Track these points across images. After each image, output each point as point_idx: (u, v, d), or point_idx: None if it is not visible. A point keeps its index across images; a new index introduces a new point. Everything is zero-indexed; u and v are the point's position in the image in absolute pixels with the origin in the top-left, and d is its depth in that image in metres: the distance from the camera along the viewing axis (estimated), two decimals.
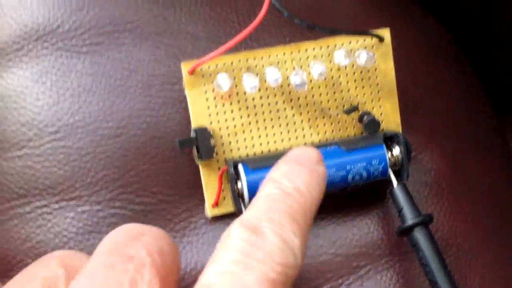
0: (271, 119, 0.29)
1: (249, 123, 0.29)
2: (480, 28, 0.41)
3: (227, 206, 0.29)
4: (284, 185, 0.20)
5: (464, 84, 0.36)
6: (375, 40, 0.29)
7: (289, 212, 0.19)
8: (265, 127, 0.29)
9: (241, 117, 0.29)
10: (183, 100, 0.29)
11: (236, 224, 0.18)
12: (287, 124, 0.29)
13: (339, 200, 0.31)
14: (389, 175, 0.29)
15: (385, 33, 0.29)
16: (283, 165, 0.21)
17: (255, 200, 0.20)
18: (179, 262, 0.19)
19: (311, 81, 0.29)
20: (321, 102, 0.29)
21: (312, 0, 0.32)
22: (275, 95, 0.29)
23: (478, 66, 0.40)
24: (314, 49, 0.29)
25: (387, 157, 0.29)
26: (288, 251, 0.18)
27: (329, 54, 0.29)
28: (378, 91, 0.30)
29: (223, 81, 0.27)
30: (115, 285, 0.17)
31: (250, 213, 0.19)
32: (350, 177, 0.29)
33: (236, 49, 0.28)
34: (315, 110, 0.29)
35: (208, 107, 0.28)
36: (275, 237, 0.18)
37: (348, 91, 0.29)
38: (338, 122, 0.30)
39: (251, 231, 0.18)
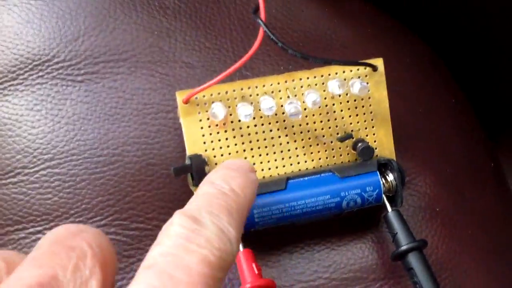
0: (266, 147, 0.29)
1: (244, 151, 0.29)
2: (471, 52, 0.42)
3: None
4: (221, 186, 0.22)
5: (457, 109, 0.36)
6: (368, 69, 0.29)
7: (225, 207, 0.21)
8: (260, 155, 0.29)
9: (235, 144, 0.29)
10: (178, 127, 0.30)
11: (178, 214, 0.20)
12: (282, 152, 0.29)
13: (333, 225, 0.31)
14: (383, 201, 0.29)
15: (378, 62, 0.29)
16: (219, 170, 0.23)
17: (194, 197, 0.21)
18: (116, 258, 0.20)
19: (305, 109, 0.29)
20: (316, 129, 0.29)
21: (306, 29, 0.33)
22: (270, 123, 0.29)
23: (470, 90, 0.40)
24: (308, 78, 0.29)
25: (381, 184, 0.29)
26: (225, 239, 0.19)
27: (323, 83, 0.29)
28: (372, 119, 0.30)
29: (218, 110, 0.28)
30: (59, 269, 0.18)
31: (190, 206, 0.21)
32: (344, 203, 0.29)
33: (230, 78, 0.28)
34: (310, 138, 0.29)
35: (203, 135, 0.28)
36: (214, 226, 0.20)
37: (342, 118, 0.30)
38: (332, 149, 0.30)
39: (191, 219, 0.20)
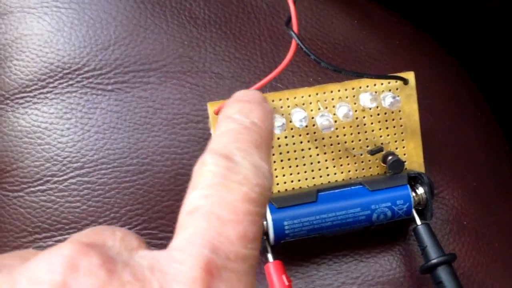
0: (296, 159, 0.29)
1: (274, 162, 0.29)
2: (496, 64, 0.42)
3: None
4: (241, 120, 0.21)
5: (483, 121, 0.36)
6: (399, 82, 0.29)
7: (253, 142, 0.20)
8: (290, 166, 0.29)
9: None
10: (207, 138, 0.30)
11: (208, 153, 0.19)
12: (312, 164, 0.29)
13: (361, 237, 0.31)
14: (413, 215, 0.29)
15: (410, 76, 0.29)
16: (234, 104, 0.22)
17: (217, 135, 0.21)
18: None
19: (336, 121, 0.29)
20: (346, 142, 0.29)
21: (335, 40, 0.32)
22: (300, 135, 0.29)
23: (494, 101, 0.40)
24: (339, 91, 0.29)
25: (412, 197, 0.29)
26: (261, 174, 0.19)
27: (354, 96, 0.29)
28: (402, 132, 0.30)
29: None
30: (108, 239, 0.18)
31: (217, 144, 0.20)
32: (374, 216, 0.29)
33: (261, 89, 0.28)
34: (340, 150, 0.29)
35: None
36: (247, 162, 0.19)
37: (373, 131, 0.30)
38: (362, 162, 0.30)
39: (224, 157, 0.19)
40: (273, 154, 0.29)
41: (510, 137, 0.40)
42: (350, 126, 0.29)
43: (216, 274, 0.17)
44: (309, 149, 0.29)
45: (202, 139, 0.30)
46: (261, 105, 0.22)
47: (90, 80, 0.30)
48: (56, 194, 0.30)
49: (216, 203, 0.18)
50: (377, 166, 0.30)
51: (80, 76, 0.30)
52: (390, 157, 0.29)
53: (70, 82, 0.30)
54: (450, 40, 0.38)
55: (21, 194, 0.30)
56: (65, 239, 0.30)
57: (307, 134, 0.29)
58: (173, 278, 0.17)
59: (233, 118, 0.21)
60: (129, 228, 0.29)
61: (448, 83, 0.35)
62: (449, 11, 0.39)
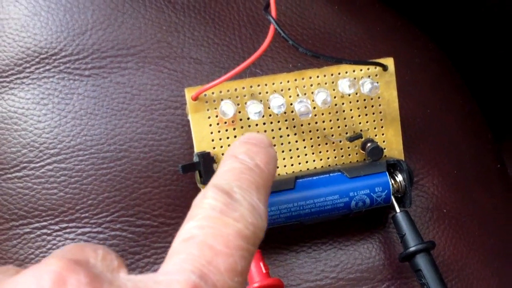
0: (274, 145, 0.29)
1: None
2: (480, 53, 0.41)
3: None
4: (246, 161, 0.22)
5: (465, 110, 0.36)
6: (379, 68, 0.29)
7: (253, 183, 0.21)
8: None
9: None
10: (186, 124, 0.29)
11: (211, 187, 0.20)
12: (290, 150, 0.29)
13: (341, 224, 0.31)
14: (392, 202, 0.29)
15: (389, 62, 0.29)
16: (241, 145, 0.23)
17: (221, 171, 0.22)
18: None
19: (314, 108, 0.29)
20: (325, 129, 0.29)
21: (316, 26, 0.32)
22: (279, 121, 0.29)
23: (478, 91, 0.40)
24: (318, 77, 0.29)
25: (390, 184, 0.29)
26: (257, 214, 0.20)
27: (333, 82, 0.29)
28: (381, 119, 0.30)
29: (227, 108, 0.27)
30: (90, 257, 0.19)
31: (220, 180, 0.21)
32: (353, 203, 0.29)
33: (240, 75, 0.27)
34: (319, 137, 0.29)
35: (211, 132, 0.28)
36: (246, 201, 0.20)
37: (352, 118, 0.29)
38: (341, 149, 0.30)
39: (225, 194, 0.20)
40: None
41: (493, 126, 0.40)
42: (329, 113, 0.29)
43: None
44: (288, 135, 0.29)
45: (180, 125, 0.30)
46: (267, 149, 0.23)
47: (67, 65, 0.30)
48: (32, 180, 0.29)
49: (210, 234, 0.19)
50: (356, 153, 0.30)
51: (57, 61, 0.30)
52: (369, 144, 0.29)
53: (47, 67, 0.30)
54: (433, 27, 0.38)
55: None
56: (41, 226, 0.29)
57: (286, 120, 0.29)
58: None
59: (239, 158, 0.22)
60: (107, 216, 0.29)
61: (430, 70, 0.35)
62: None
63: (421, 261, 0.28)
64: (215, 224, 0.19)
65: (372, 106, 0.30)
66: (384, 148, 0.30)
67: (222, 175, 0.21)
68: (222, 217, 0.19)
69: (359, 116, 0.29)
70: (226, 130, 0.28)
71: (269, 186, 0.22)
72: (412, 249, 0.28)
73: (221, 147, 0.28)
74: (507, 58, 0.42)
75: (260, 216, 0.20)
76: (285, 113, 0.29)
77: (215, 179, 0.21)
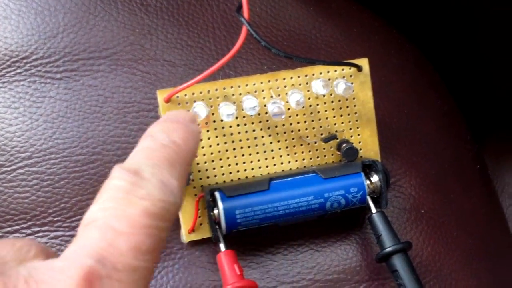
0: (248, 147, 0.29)
1: (226, 150, 0.28)
2: (458, 53, 0.41)
3: (204, 232, 0.29)
4: (161, 138, 0.21)
5: (443, 110, 0.36)
6: (353, 69, 0.29)
7: (167, 159, 0.20)
8: (242, 155, 0.29)
9: (218, 144, 0.28)
10: None
11: (117, 167, 0.20)
12: (265, 152, 0.29)
13: (317, 226, 0.30)
14: (367, 203, 0.29)
15: (363, 63, 0.29)
16: (159, 123, 0.22)
17: (134, 151, 0.21)
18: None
19: (289, 109, 0.29)
20: (299, 130, 0.29)
21: (291, 28, 0.32)
22: (253, 123, 0.28)
23: (456, 91, 0.40)
24: (292, 78, 0.28)
25: (366, 185, 0.29)
26: (167, 190, 0.19)
27: (307, 83, 0.29)
28: (357, 120, 0.30)
29: (200, 109, 0.27)
30: (7, 254, 0.18)
31: (129, 160, 0.20)
32: (328, 204, 0.28)
33: (213, 77, 0.27)
34: (293, 138, 0.29)
35: None
36: (154, 178, 0.19)
37: (326, 119, 0.29)
38: (316, 150, 0.29)
39: (131, 172, 0.19)
40: (225, 143, 0.28)
41: (473, 126, 0.40)
42: (304, 114, 0.29)
43: (97, 284, 0.17)
44: (262, 137, 0.29)
45: None
46: (187, 125, 0.22)
47: (39, 68, 0.29)
48: (4, 184, 0.29)
49: (113, 215, 0.18)
50: (332, 154, 0.30)
51: (28, 65, 0.29)
52: (344, 145, 0.29)
53: (18, 71, 0.29)
54: (410, 27, 0.38)
55: None
56: (14, 230, 0.29)
57: (260, 122, 0.29)
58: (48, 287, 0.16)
59: (154, 137, 0.21)
60: (79, 219, 0.29)
61: (407, 71, 0.35)
62: None
63: (398, 262, 0.28)
64: (119, 204, 0.18)
65: (347, 107, 0.29)
66: (360, 149, 0.30)
67: (133, 155, 0.21)
68: (127, 196, 0.18)
69: (334, 117, 0.29)
70: (199, 132, 0.28)
71: (187, 161, 0.21)
72: (388, 249, 0.28)
73: None
74: (486, 58, 0.42)
75: (171, 192, 0.19)
76: (259, 114, 0.28)
77: (126, 161, 0.20)
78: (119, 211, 0.18)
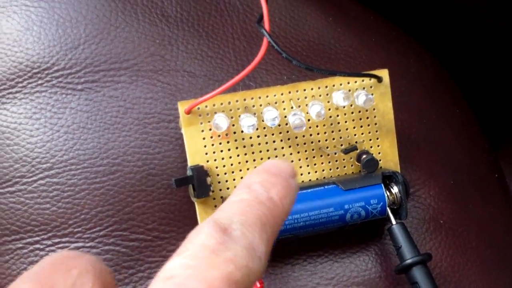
0: (268, 158, 0.29)
1: (246, 162, 0.28)
2: (476, 64, 0.41)
3: None
4: (259, 193, 0.19)
5: (462, 119, 0.36)
6: (373, 80, 0.29)
7: (260, 219, 0.19)
8: None
9: (238, 155, 0.28)
10: (179, 137, 0.29)
11: (208, 221, 0.18)
12: None
13: (337, 237, 0.30)
14: (387, 214, 0.29)
15: (384, 74, 0.29)
16: (258, 174, 0.21)
17: (228, 202, 0.20)
18: (114, 283, 0.19)
19: (309, 120, 0.29)
20: (319, 141, 0.29)
21: (310, 38, 0.32)
22: (273, 134, 0.28)
23: (473, 100, 0.40)
24: (312, 89, 0.28)
25: (386, 196, 0.29)
26: (255, 255, 0.18)
27: (327, 94, 0.29)
28: (377, 131, 0.30)
29: (221, 121, 0.27)
30: (59, 284, 0.17)
31: (222, 214, 0.19)
32: (348, 216, 0.28)
33: (233, 88, 0.27)
34: (313, 149, 0.29)
35: (205, 146, 0.28)
36: (244, 240, 0.18)
37: (346, 130, 0.29)
38: (336, 161, 0.29)
39: (221, 230, 0.18)
40: (245, 154, 0.28)
41: (490, 135, 0.40)
42: (324, 125, 0.29)
43: None
44: (282, 148, 0.29)
45: (174, 138, 0.29)
46: (287, 181, 0.20)
47: (60, 79, 0.30)
48: (25, 195, 0.29)
49: (194, 276, 0.17)
50: (352, 165, 0.30)
51: (50, 76, 0.30)
52: (364, 156, 0.29)
53: (40, 82, 0.30)
54: (428, 37, 0.38)
55: None
56: (34, 241, 0.29)
57: (280, 133, 0.29)
58: None
59: (251, 189, 0.20)
60: (100, 230, 0.29)
61: (426, 80, 0.35)
62: (427, 7, 0.39)
63: (418, 274, 0.28)
64: (201, 264, 0.17)
65: (367, 118, 0.29)
66: (380, 160, 0.30)
67: (226, 207, 0.19)
68: (212, 256, 0.17)
69: (354, 128, 0.29)
70: (220, 144, 0.28)
71: (281, 222, 0.19)
72: (408, 261, 0.28)
73: (215, 160, 0.28)
74: (503, 67, 0.42)
75: (259, 258, 0.18)
76: (279, 125, 0.28)
77: (217, 212, 0.19)
78: (200, 273, 0.17)
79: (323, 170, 0.29)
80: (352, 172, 0.30)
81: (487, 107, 0.42)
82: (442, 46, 0.39)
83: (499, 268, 0.33)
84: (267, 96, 0.28)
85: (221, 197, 0.28)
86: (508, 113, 0.43)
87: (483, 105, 0.42)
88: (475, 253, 0.32)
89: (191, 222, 0.29)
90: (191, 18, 0.31)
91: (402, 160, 0.31)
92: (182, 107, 0.27)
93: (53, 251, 0.29)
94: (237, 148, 0.28)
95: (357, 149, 0.29)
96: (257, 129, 0.28)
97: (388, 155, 0.30)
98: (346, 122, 0.29)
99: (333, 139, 0.29)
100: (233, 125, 0.28)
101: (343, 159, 0.29)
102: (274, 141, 0.29)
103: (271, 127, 0.28)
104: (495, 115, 0.43)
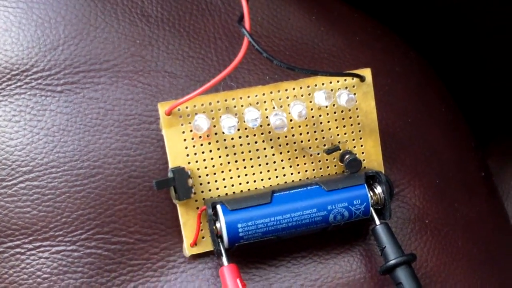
0: (251, 159, 0.28)
1: (228, 163, 0.28)
2: (463, 62, 0.41)
3: (206, 245, 0.29)
4: None
5: (448, 117, 0.36)
6: (356, 79, 0.29)
7: None
8: (244, 167, 0.28)
9: (219, 157, 0.28)
10: (161, 139, 0.29)
11: None
12: (267, 164, 0.29)
13: (321, 238, 0.30)
14: (371, 214, 0.29)
15: (366, 73, 0.29)
16: None
17: None
18: None
19: (291, 120, 0.28)
20: (302, 141, 0.29)
21: (293, 37, 0.32)
22: (255, 135, 0.28)
23: (460, 98, 0.40)
24: (294, 89, 0.28)
25: (369, 197, 0.28)
26: None
27: (310, 94, 0.28)
28: (360, 130, 0.29)
29: (202, 122, 0.27)
30: None
31: None
32: (331, 217, 0.28)
33: (215, 89, 0.27)
34: (296, 150, 0.29)
35: (186, 147, 0.28)
36: None
37: (329, 130, 0.29)
38: (319, 162, 0.29)
39: None
40: (227, 155, 0.28)
41: (477, 134, 0.40)
42: (306, 125, 0.29)
43: None
44: (264, 149, 0.28)
45: (155, 140, 0.29)
46: None
47: (39, 81, 0.29)
48: (5, 199, 0.29)
49: None
50: (335, 166, 0.29)
51: (29, 78, 0.29)
52: (347, 156, 0.29)
53: (19, 84, 0.29)
54: (414, 35, 0.38)
55: None
56: (15, 245, 0.29)
57: (262, 134, 0.28)
58: None
59: None
60: (81, 233, 0.29)
61: (411, 79, 0.35)
62: (412, 5, 0.39)
63: (402, 274, 0.28)
64: None
65: (350, 118, 0.29)
66: (363, 160, 0.30)
67: None
68: None
69: (336, 128, 0.29)
70: (201, 145, 0.28)
71: None
72: (392, 262, 0.28)
73: (196, 162, 0.28)
74: (490, 64, 0.41)
75: None
76: (261, 126, 0.28)
77: None
78: None
79: (306, 171, 0.29)
80: (336, 173, 0.29)
81: (474, 105, 0.42)
82: (427, 44, 0.39)
83: (485, 267, 0.33)
84: (248, 97, 0.28)
85: (203, 198, 0.28)
86: (495, 111, 0.43)
87: (470, 103, 0.41)
88: (461, 252, 0.32)
89: (174, 224, 0.29)
90: (172, 18, 0.31)
91: (386, 160, 0.31)
92: (163, 108, 0.27)
93: (34, 255, 0.29)
94: (218, 149, 0.28)
95: (340, 149, 0.29)
96: (238, 129, 0.28)
97: (371, 155, 0.30)
98: (328, 122, 0.29)
99: (316, 139, 0.29)
100: (214, 126, 0.28)
101: (326, 160, 0.29)
102: (256, 142, 0.28)
103: (253, 128, 0.28)
104: (482, 113, 0.43)
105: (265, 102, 0.28)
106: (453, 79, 0.40)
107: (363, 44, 0.33)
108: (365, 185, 0.28)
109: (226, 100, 0.28)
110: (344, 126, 0.29)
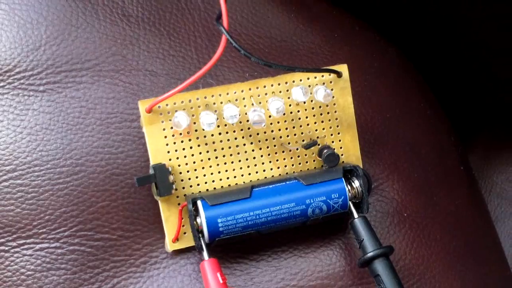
0: (230, 155, 0.29)
1: (208, 159, 0.29)
2: (442, 55, 0.42)
3: (188, 241, 0.29)
4: None
5: (427, 112, 0.36)
6: (333, 75, 0.29)
7: None
8: (224, 163, 0.29)
9: (200, 153, 0.29)
10: (142, 137, 0.29)
11: None
12: (247, 159, 0.29)
13: (301, 232, 0.31)
14: (349, 208, 0.29)
15: (343, 69, 0.29)
16: None
17: None
18: None
19: (270, 116, 0.29)
20: (280, 137, 0.29)
21: (272, 35, 0.32)
22: (234, 131, 0.29)
23: (441, 94, 0.40)
24: (272, 85, 0.29)
25: (347, 190, 0.29)
26: None
27: (287, 90, 0.29)
28: (337, 125, 0.30)
29: (181, 119, 0.27)
30: None
31: None
32: (310, 211, 0.29)
33: (195, 86, 0.28)
34: (275, 145, 0.29)
35: (167, 144, 0.28)
36: None
37: (307, 125, 0.29)
38: (298, 157, 0.30)
39: None
40: (207, 152, 0.29)
41: (457, 128, 0.41)
42: (285, 121, 0.29)
43: None
44: (244, 145, 0.29)
45: (137, 138, 0.30)
46: None
47: (22, 81, 0.30)
48: None
49: None
50: (314, 160, 0.30)
51: (11, 78, 0.30)
52: (325, 151, 0.29)
53: (1, 84, 0.30)
54: (393, 30, 0.38)
55: None
56: None
57: (241, 130, 0.29)
58: None
59: None
60: (64, 230, 0.29)
61: (390, 74, 0.35)
62: (391, 1, 0.39)
63: (379, 266, 0.28)
64: None
65: (328, 113, 0.30)
66: (341, 155, 0.30)
67: None
68: None
69: (315, 123, 0.30)
70: (182, 142, 0.28)
71: None
72: (369, 254, 0.28)
73: (177, 158, 0.28)
74: (469, 58, 0.42)
75: None
76: (240, 122, 0.29)
77: None
78: None
79: (285, 166, 0.30)
80: (314, 167, 0.30)
81: (454, 100, 0.43)
82: (407, 39, 0.39)
83: (463, 260, 0.34)
84: (227, 93, 0.28)
85: (184, 194, 0.29)
86: (477, 106, 0.44)
87: (450, 98, 0.42)
88: (439, 245, 0.33)
89: (156, 221, 0.30)
90: (152, 17, 0.31)
91: (365, 155, 0.32)
92: (143, 105, 0.28)
93: (18, 252, 0.29)
94: (198, 145, 0.28)
95: (318, 144, 0.30)
96: (218, 126, 0.28)
97: (349, 149, 0.30)
98: (306, 117, 0.29)
99: (294, 134, 0.29)
100: (194, 122, 0.28)
101: (305, 155, 0.30)
102: (235, 138, 0.29)
103: (232, 124, 0.28)
104: (463, 108, 0.44)
105: (244, 98, 0.29)
106: (433, 74, 0.40)
107: (341, 41, 0.34)
108: (343, 179, 0.29)
109: (205, 97, 0.28)
110: (322, 122, 0.30)
